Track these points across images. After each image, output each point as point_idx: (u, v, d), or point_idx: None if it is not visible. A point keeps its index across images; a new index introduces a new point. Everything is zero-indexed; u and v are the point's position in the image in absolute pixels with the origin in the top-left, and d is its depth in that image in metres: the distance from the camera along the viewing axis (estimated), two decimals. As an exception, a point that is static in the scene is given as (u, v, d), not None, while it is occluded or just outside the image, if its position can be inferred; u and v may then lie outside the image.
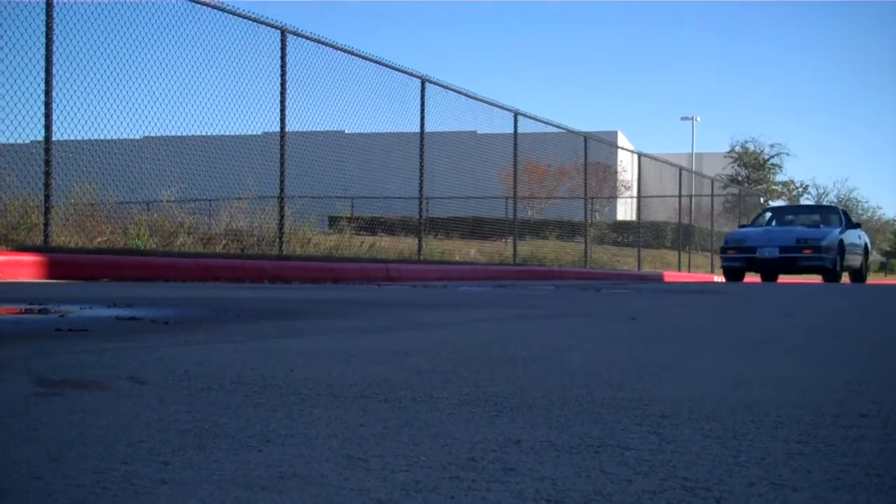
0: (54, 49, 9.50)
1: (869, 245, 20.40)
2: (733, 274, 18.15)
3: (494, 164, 19.07)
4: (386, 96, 14.87)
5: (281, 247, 12.52)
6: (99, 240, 10.85)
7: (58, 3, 9.54)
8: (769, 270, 18.27)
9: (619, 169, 28.06)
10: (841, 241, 17.54)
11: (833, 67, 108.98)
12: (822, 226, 18.56)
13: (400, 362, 2.30)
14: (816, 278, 18.51)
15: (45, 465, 1.17)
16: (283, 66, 12.29)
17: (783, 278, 20.50)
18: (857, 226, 19.29)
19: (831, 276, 17.34)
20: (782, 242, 17.38)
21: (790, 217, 20.09)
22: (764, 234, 17.94)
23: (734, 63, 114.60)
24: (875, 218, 73.09)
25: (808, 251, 17.05)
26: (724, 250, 18.28)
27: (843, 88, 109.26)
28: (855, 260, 18.74)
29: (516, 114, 18.21)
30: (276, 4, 56.68)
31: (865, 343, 3.21)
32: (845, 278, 18.78)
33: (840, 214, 19.18)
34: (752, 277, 20.66)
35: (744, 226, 20.73)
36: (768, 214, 20.70)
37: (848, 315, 5.20)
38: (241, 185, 13.24)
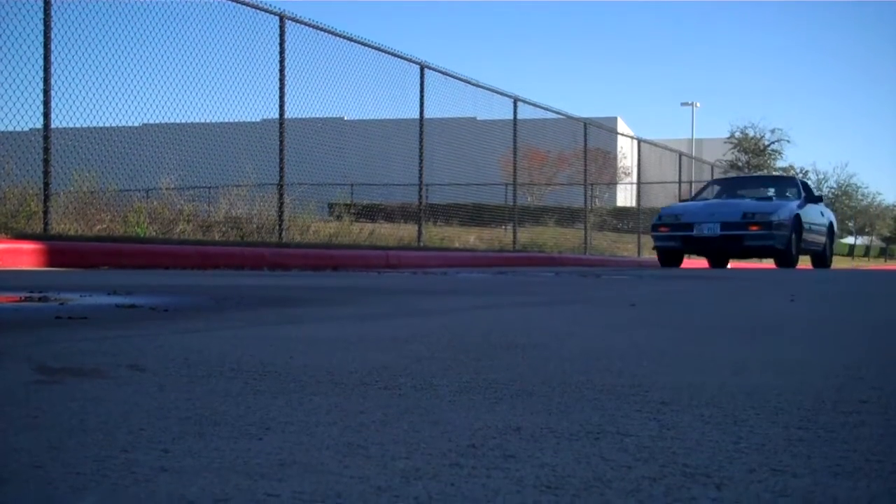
0: (52, 36, 9.47)
1: (835, 223, 17.37)
2: (667, 256, 15.31)
3: (494, 150, 19.06)
4: (385, 83, 14.85)
5: (280, 234, 12.51)
6: (98, 227, 10.84)
7: (55, -11, 9.51)
8: (710, 252, 15.65)
9: (618, 155, 28.06)
10: (797, 216, 14.68)
11: (833, 54, 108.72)
12: (776, 199, 15.56)
13: (400, 349, 2.30)
14: (771, 262, 15.90)
15: (45, 453, 1.17)
16: (281, 52, 12.26)
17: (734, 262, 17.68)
18: (818, 199, 16.32)
19: (784, 259, 14.52)
20: (725, 218, 14.42)
21: (741, 190, 17.02)
22: (705, 209, 14.92)
23: (734, 49, 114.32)
24: (875, 203, 73.05)
25: (755, 228, 14.12)
26: (655, 227, 15.21)
27: (844, 74, 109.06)
28: (816, 240, 15.89)
29: (516, 100, 18.18)
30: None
31: (867, 327, 3.21)
32: (805, 262, 16.45)
33: (798, 187, 16.24)
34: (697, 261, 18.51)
35: (686, 200, 17.67)
36: (716, 187, 17.70)
37: (850, 299, 5.19)
38: (240, 173, 13.23)
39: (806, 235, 15.09)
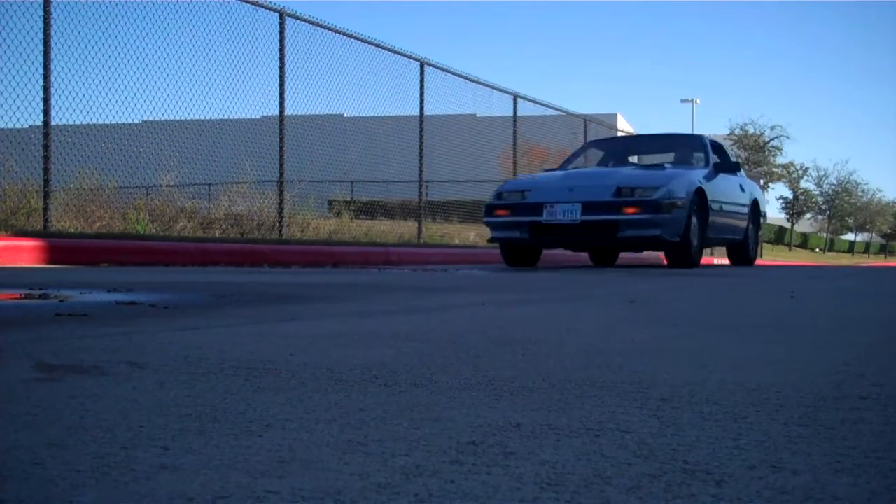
0: (52, 33, 9.46)
1: (762, 202, 12.38)
2: (512, 252, 10.36)
3: (494, 147, 19.05)
4: (385, 80, 14.86)
5: (280, 231, 12.51)
6: (98, 225, 10.85)
7: (55, -14, 9.51)
8: (570, 245, 10.26)
9: (618, 152, 27.97)
10: (700, 191, 9.78)
11: (834, 53, 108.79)
12: (671, 166, 10.44)
13: (400, 346, 2.30)
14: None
15: (45, 450, 1.17)
16: (281, 49, 12.25)
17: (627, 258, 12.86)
18: (735, 167, 11.07)
19: (679, 254, 9.84)
20: (590, 195, 9.41)
21: (632, 156, 12.18)
22: (562, 182, 9.80)
23: (734, 46, 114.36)
24: (875, 200, 73.09)
25: (633, 210, 9.20)
26: (489, 210, 10.07)
27: (844, 73, 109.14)
28: (731, 225, 11.10)
29: (516, 96, 18.18)
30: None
31: (867, 324, 3.21)
32: (716, 257, 11.57)
33: (707, 149, 11.06)
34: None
35: (550, 170, 11.48)
36: (597, 151, 12.39)
37: (851, 296, 5.19)
38: (240, 170, 13.24)
39: (715, 219, 10.36)
